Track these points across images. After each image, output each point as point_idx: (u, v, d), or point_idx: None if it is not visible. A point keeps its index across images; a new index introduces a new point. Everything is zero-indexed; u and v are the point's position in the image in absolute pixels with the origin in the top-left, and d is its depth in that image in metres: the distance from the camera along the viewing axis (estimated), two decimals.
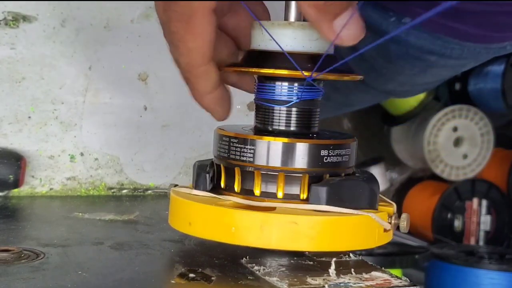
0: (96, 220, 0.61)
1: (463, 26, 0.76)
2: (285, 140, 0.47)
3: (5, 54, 0.69)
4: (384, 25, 0.76)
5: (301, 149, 0.47)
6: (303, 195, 0.48)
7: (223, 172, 0.49)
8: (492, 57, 0.94)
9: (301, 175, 0.47)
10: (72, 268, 0.46)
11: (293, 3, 0.48)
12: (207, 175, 0.48)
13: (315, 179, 0.48)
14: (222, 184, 0.49)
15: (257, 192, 0.48)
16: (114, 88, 0.73)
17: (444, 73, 1.04)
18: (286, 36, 0.47)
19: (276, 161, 0.47)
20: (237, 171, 0.48)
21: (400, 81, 1.00)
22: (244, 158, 0.48)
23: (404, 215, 0.49)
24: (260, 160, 0.47)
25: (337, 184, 0.47)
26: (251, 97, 0.52)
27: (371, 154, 1.88)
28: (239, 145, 0.48)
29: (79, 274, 0.45)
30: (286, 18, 0.49)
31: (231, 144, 0.48)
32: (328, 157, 0.48)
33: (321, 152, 0.48)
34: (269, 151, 0.47)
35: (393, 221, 0.49)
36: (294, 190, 0.48)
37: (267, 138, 0.47)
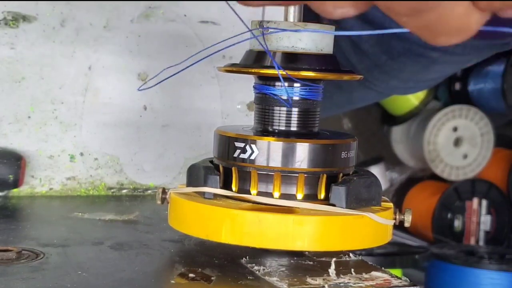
0: (96, 220, 0.61)
1: None
2: (309, 142, 0.47)
3: (5, 54, 0.69)
4: (387, 22, 0.76)
5: (320, 149, 0.47)
6: (321, 195, 0.48)
7: (236, 174, 0.49)
8: (495, 52, 0.95)
9: (319, 175, 0.48)
10: (72, 268, 0.46)
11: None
12: (218, 177, 0.48)
13: (331, 179, 0.48)
14: (234, 187, 0.49)
15: (276, 194, 0.48)
16: (114, 88, 0.73)
17: (447, 69, 1.04)
18: (295, 37, 0.47)
19: (293, 162, 0.47)
20: (253, 173, 0.48)
21: (403, 77, 1.00)
22: (263, 161, 0.48)
23: (407, 210, 0.50)
24: (275, 162, 0.47)
25: (356, 183, 0.47)
26: (251, 97, 0.52)
27: (371, 154, 1.88)
28: (257, 148, 0.47)
29: (79, 274, 0.45)
30: (286, 18, 0.49)
31: (247, 146, 0.48)
32: (342, 157, 0.48)
33: (339, 152, 0.48)
34: (289, 152, 0.47)
35: (398, 217, 0.49)
36: (312, 190, 0.48)
37: (288, 140, 0.47)
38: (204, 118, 0.77)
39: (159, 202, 0.52)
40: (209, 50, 0.49)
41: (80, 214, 0.62)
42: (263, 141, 0.47)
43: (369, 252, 1.31)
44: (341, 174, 0.49)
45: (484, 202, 1.79)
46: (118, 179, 0.74)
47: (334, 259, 0.48)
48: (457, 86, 1.86)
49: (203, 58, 0.49)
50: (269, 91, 0.49)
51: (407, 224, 0.50)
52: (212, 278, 0.45)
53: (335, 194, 0.47)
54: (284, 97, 0.49)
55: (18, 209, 0.66)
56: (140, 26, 0.74)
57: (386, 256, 1.37)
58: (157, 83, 0.51)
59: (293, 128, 0.49)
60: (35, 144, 0.71)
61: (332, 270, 0.46)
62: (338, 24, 0.40)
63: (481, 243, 1.78)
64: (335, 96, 1.04)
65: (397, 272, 0.98)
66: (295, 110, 0.49)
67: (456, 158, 1.80)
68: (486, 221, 1.79)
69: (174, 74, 0.50)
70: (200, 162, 0.51)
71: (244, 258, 0.48)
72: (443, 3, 0.29)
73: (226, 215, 0.46)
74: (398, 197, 1.84)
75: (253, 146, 0.47)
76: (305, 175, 0.47)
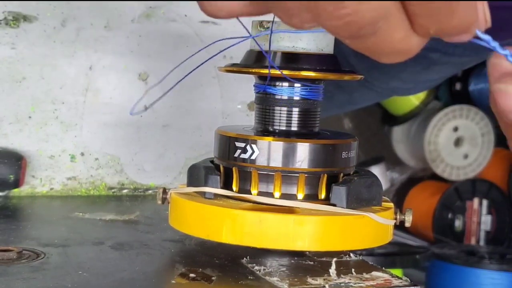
0: (97, 220, 0.61)
1: None
2: (310, 142, 0.47)
3: (5, 54, 0.69)
4: None
5: (321, 149, 0.47)
6: (321, 195, 0.48)
7: (236, 174, 0.49)
8: None
9: (320, 175, 0.48)
10: (72, 268, 0.46)
11: None
12: (218, 177, 0.48)
13: (331, 179, 0.48)
14: (235, 187, 0.49)
15: (276, 194, 0.48)
16: (114, 88, 0.73)
17: (447, 70, 1.04)
18: (295, 37, 0.47)
19: (294, 162, 0.47)
20: (254, 173, 0.48)
21: (403, 78, 1.00)
22: (263, 161, 0.47)
23: (408, 210, 0.50)
24: (276, 162, 0.47)
25: (356, 183, 0.47)
26: (251, 97, 0.52)
27: (371, 154, 1.88)
28: (257, 148, 0.47)
29: (80, 274, 0.45)
30: None
31: (247, 146, 0.48)
32: (343, 157, 0.48)
33: (340, 152, 0.48)
34: (289, 152, 0.47)
35: (398, 217, 0.49)
36: (313, 190, 0.48)
37: (289, 140, 0.47)
38: (204, 118, 0.77)
39: (159, 202, 0.52)
40: (209, 49, 0.49)
41: (81, 214, 0.62)
42: (264, 141, 0.47)
43: (369, 252, 1.31)
44: (341, 174, 0.49)
45: (485, 202, 1.79)
46: (119, 179, 0.74)
47: (334, 259, 0.48)
48: (458, 86, 1.86)
49: (206, 60, 0.49)
50: (270, 91, 0.49)
51: (407, 224, 0.50)
52: (213, 278, 0.45)
53: (335, 194, 0.47)
54: (286, 97, 0.49)
55: (18, 209, 0.66)
56: (140, 26, 0.74)
57: (387, 256, 1.37)
58: (164, 94, 0.51)
59: (294, 128, 0.49)
60: (36, 144, 0.71)
61: (332, 270, 0.46)
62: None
63: (482, 243, 1.78)
64: (336, 97, 1.04)
65: (397, 272, 0.98)
66: (295, 110, 0.49)
67: (456, 158, 1.80)
68: (486, 221, 1.79)
69: (180, 80, 0.50)
70: (201, 162, 0.51)
71: (244, 258, 0.48)
72: (382, 30, 0.31)
73: (227, 215, 0.46)
74: (399, 197, 1.84)
75: (253, 146, 0.47)
76: (306, 175, 0.47)
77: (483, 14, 0.33)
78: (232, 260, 0.48)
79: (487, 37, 0.34)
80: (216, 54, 0.50)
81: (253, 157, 0.47)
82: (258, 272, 0.46)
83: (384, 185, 1.82)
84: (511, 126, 0.37)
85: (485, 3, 0.33)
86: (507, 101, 0.36)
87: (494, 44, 0.35)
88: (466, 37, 0.33)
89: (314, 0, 0.29)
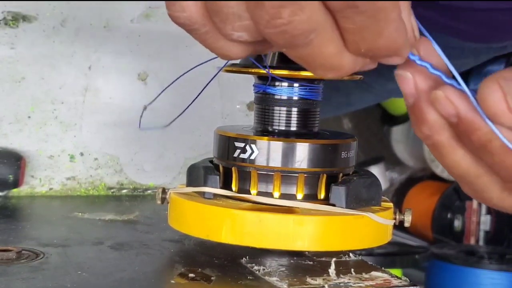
0: (96, 220, 0.61)
1: (463, 25, 0.76)
2: (309, 142, 0.47)
3: (5, 54, 0.69)
4: None
5: (320, 149, 0.47)
6: (321, 195, 0.48)
7: (236, 174, 0.49)
8: (493, 56, 0.95)
9: (319, 175, 0.48)
10: (72, 268, 0.46)
11: None
12: (217, 177, 0.48)
13: (331, 179, 0.48)
14: (234, 187, 0.49)
15: (276, 194, 0.48)
16: (114, 88, 0.73)
17: None
18: None
19: (293, 162, 0.47)
20: (253, 173, 0.48)
21: None
22: (263, 161, 0.47)
23: (407, 210, 0.50)
24: (275, 162, 0.47)
25: (356, 183, 0.47)
26: (251, 97, 0.52)
27: (371, 153, 1.88)
28: (257, 148, 0.47)
29: (79, 274, 0.45)
30: None
31: (247, 146, 0.48)
32: (342, 157, 0.48)
33: (339, 152, 0.48)
34: (288, 152, 0.47)
35: (397, 217, 0.49)
36: (312, 190, 0.48)
37: (288, 140, 0.47)
38: (204, 118, 0.77)
39: (159, 202, 0.52)
40: (209, 51, 0.49)
41: (80, 214, 0.62)
42: (263, 141, 0.47)
43: (369, 252, 1.31)
44: (341, 174, 0.49)
45: None
46: (118, 179, 0.74)
47: (334, 259, 0.48)
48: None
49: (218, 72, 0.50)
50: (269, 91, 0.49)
51: (407, 224, 0.50)
52: (212, 278, 0.45)
53: (335, 194, 0.47)
54: (285, 97, 0.49)
55: (18, 209, 0.66)
56: (140, 26, 0.74)
57: (386, 256, 1.37)
58: (162, 91, 0.52)
59: (293, 128, 0.49)
60: (35, 144, 0.71)
61: (332, 270, 0.46)
62: None
63: (481, 243, 1.78)
64: (333, 98, 1.05)
65: (397, 272, 0.98)
66: (295, 110, 0.49)
67: None
68: (486, 221, 1.79)
69: (197, 96, 0.51)
70: (200, 162, 0.51)
71: (244, 258, 0.48)
72: (314, 42, 0.32)
73: (226, 215, 0.46)
74: (398, 197, 1.84)
75: (253, 146, 0.47)
76: (305, 175, 0.47)
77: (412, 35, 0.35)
78: (231, 260, 0.48)
79: (415, 57, 0.37)
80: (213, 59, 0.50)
81: (252, 157, 0.47)
82: (257, 272, 0.46)
83: (384, 185, 1.82)
84: (411, 108, 0.39)
85: (413, 20, 0.35)
86: (405, 85, 0.39)
87: (422, 63, 0.37)
88: (397, 60, 0.35)
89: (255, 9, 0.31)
